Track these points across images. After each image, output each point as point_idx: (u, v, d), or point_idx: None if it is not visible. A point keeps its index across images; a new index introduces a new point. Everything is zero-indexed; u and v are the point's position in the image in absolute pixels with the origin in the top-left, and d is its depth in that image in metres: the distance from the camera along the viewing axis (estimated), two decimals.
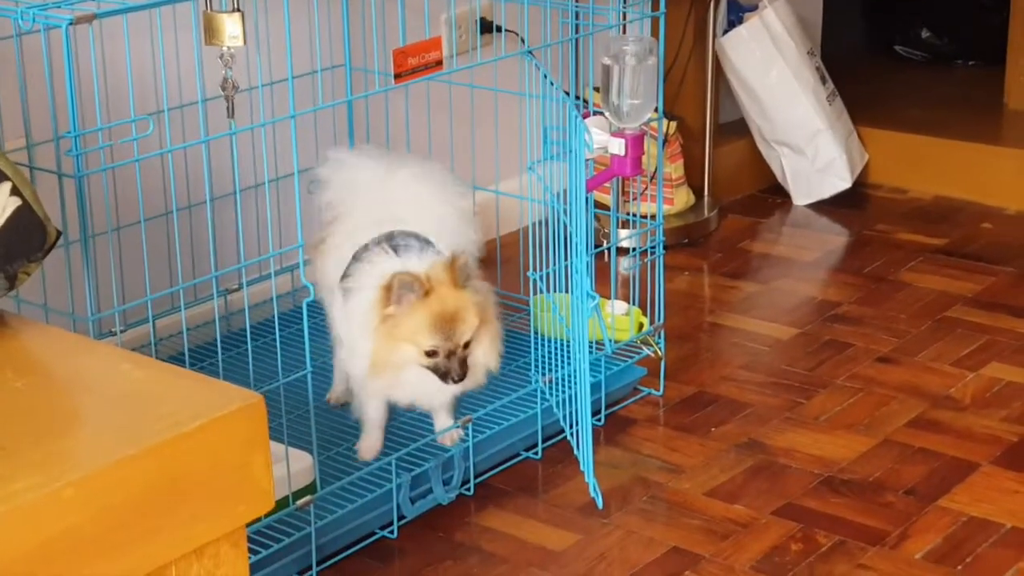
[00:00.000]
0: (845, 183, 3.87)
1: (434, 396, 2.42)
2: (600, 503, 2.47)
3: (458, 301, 2.29)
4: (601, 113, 2.64)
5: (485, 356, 2.36)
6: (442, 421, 2.52)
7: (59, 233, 1.66)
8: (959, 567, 2.29)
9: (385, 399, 2.45)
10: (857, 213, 3.84)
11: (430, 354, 2.29)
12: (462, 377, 2.30)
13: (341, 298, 2.39)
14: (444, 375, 2.30)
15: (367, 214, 2.43)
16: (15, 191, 1.60)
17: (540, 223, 2.63)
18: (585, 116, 2.62)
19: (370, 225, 2.39)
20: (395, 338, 2.29)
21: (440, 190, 2.53)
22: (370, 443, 2.48)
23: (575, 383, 2.52)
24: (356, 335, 2.34)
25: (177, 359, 2.55)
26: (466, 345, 2.30)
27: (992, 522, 2.41)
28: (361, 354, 2.34)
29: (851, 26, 4.91)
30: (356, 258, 2.37)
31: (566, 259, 2.56)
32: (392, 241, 2.36)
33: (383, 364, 2.31)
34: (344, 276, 2.39)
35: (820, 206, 3.87)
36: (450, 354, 2.29)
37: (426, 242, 2.37)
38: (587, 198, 2.57)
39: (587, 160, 2.58)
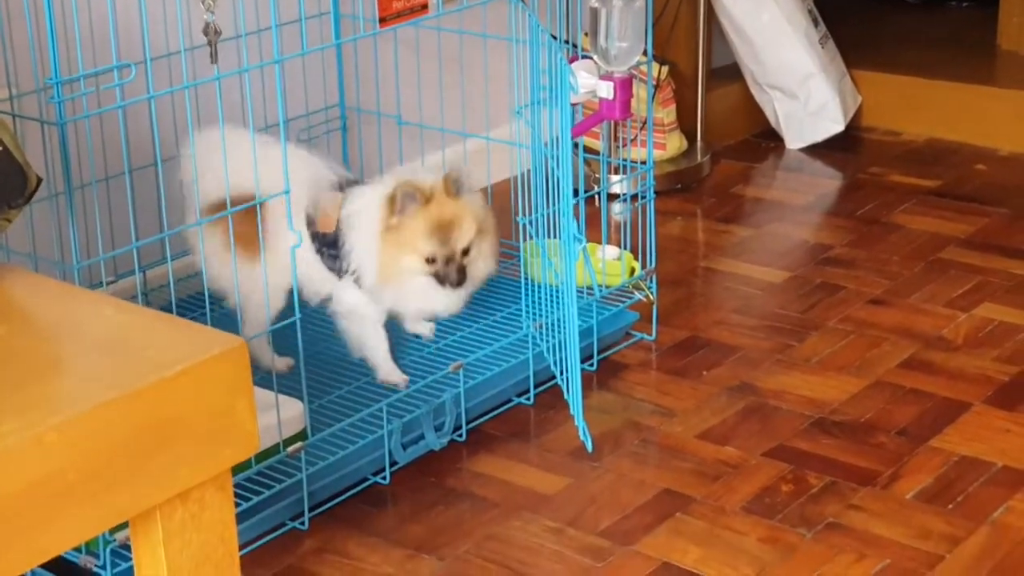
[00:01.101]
0: (838, 126, 3.86)
1: (438, 305, 2.48)
2: (590, 447, 2.47)
3: (455, 209, 2.38)
4: (590, 57, 2.63)
5: (485, 263, 2.45)
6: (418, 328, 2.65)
7: (40, 179, 1.65)
8: (950, 506, 2.30)
9: (387, 313, 2.52)
10: (850, 156, 3.83)
11: (429, 261, 2.38)
12: (459, 283, 2.40)
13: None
14: (442, 280, 2.39)
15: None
16: None
17: (529, 171, 2.62)
18: (573, 60, 2.61)
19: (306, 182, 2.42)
20: (398, 245, 2.37)
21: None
22: (388, 369, 2.54)
23: (564, 328, 2.51)
24: (361, 254, 2.41)
25: (167, 309, 2.55)
26: (465, 252, 2.39)
27: (983, 461, 2.42)
28: (367, 270, 2.41)
29: None
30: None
31: (556, 204, 2.55)
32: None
33: (388, 273, 2.40)
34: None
35: (813, 150, 3.86)
36: (448, 260, 2.38)
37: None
38: (575, 142, 2.56)
39: (575, 104, 2.57)
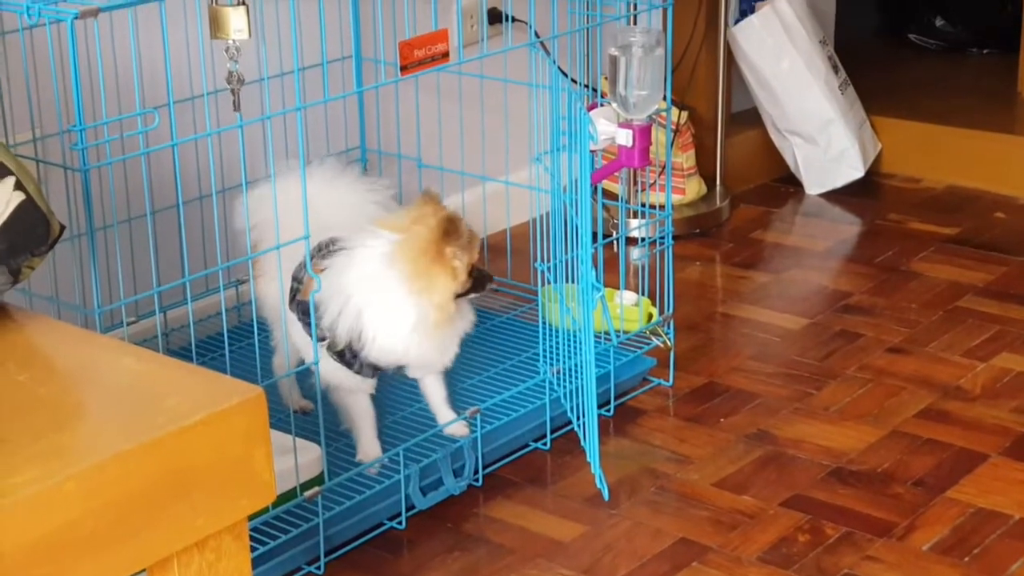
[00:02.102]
0: (858, 172, 3.87)
1: (438, 356, 2.42)
2: (606, 494, 2.47)
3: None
4: (609, 102, 2.64)
5: None
6: (444, 415, 2.52)
7: (63, 227, 1.67)
8: (966, 559, 2.29)
9: (367, 391, 2.43)
10: (870, 202, 3.83)
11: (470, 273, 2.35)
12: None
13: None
14: (484, 282, 2.37)
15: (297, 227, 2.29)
16: (19, 186, 1.61)
17: (548, 214, 2.64)
18: (592, 107, 2.63)
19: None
20: (452, 271, 2.31)
21: (359, 189, 2.55)
22: (369, 444, 2.46)
23: (581, 374, 2.52)
24: (378, 317, 2.31)
25: (188, 350, 2.57)
26: None
27: (1000, 513, 2.41)
28: (387, 332, 2.32)
29: (864, 14, 4.90)
30: (296, 277, 2.34)
31: (575, 249, 2.56)
32: (323, 251, 2.34)
33: (447, 306, 2.31)
34: (293, 291, 2.36)
35: (833, 195, 3.87)
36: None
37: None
38: (595, 188, 2.57)
39: (594, 151, 2.58)
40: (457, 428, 2.51)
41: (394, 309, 2.30)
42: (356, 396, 2.44)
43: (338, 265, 2.31)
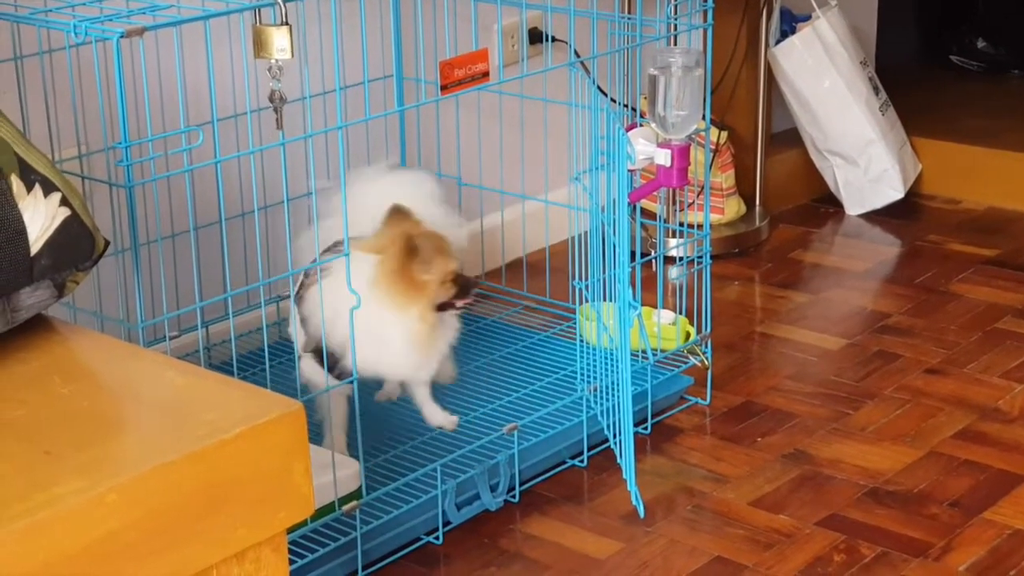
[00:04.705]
0: (898, 193, 3.87)
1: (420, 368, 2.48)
2: (642, 512, 2.48)
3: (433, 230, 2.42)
4: (648, 123, 2.66)
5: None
6: (430, 410, 2.59)
7: (107, 243, 1.70)
8: None
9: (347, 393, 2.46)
10: (909, 223, 3.83)
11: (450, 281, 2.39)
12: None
13: None
14: (468, 288, 2.41)
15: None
16: (64, 201, 1.63)
17: (587, 233, 2.65)
18: (631, 127, 2.64)
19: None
20: (433, 284, 2.37)
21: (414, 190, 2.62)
22: (337, 437, 2.48)
23: (618, 392, 2.53)
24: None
25: (229, 364, 2.60)
26: None
27: None
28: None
29: (906, 36, 4.90)
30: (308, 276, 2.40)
31: (612, 268, 2.58)
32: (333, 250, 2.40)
33: (427, 318, 2.38)
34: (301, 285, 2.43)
35: (872, 216, 3.87)
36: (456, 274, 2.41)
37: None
38: (633, 207, 2.58)
39: (633, 171, 2.59)
40: (444, 420, 2.57)
41: (381, 329, 2.36)
42: (333, 396, 2.47)
43: (328, 285, 2.33)
